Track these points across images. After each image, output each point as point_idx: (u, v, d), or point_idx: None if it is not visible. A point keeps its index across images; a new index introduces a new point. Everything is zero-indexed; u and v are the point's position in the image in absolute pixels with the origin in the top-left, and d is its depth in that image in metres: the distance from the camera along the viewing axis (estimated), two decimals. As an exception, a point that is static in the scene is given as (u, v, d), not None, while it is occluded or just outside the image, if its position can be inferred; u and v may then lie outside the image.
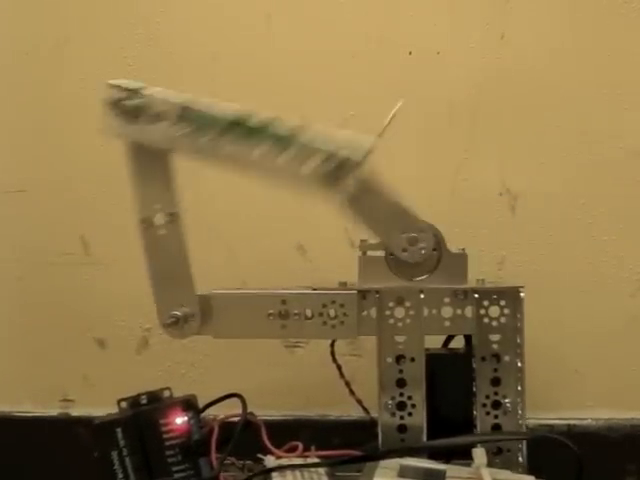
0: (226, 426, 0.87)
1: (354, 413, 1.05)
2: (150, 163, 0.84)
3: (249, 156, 0.80)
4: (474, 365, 0.85)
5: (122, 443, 0.83)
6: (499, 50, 1.11)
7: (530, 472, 0.83)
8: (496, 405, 0.85)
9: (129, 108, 0.81)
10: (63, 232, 1.17)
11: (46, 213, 1.18)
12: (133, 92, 0.81)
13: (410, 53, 1.12)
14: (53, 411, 1.19)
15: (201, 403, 0.87)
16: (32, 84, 1.17)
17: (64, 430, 1.16)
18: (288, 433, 0.89)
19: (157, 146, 0.83)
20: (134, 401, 0.85)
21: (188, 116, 0.81)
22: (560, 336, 1.11)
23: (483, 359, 0.85)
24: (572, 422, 1.11)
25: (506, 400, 0.85)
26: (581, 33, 1.10)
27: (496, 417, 0.85)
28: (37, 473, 1.16)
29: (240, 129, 0.81)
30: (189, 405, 0.85)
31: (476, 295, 0.85)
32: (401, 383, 0.85)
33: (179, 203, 0.84)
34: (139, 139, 0.82)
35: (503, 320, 0.85)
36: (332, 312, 0.85)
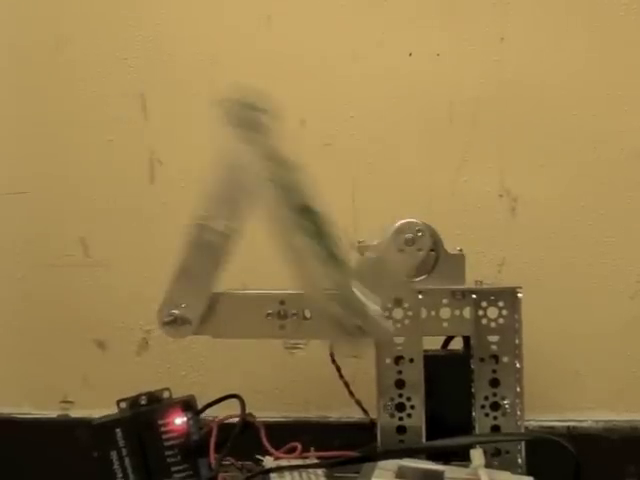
0: (225, 427, 0.87)
1: (353, 414, 1.05)
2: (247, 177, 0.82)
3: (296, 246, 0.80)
4: (473, 366, 0.85)
5: (121, 443, 0.83)
6: (499, 52, 1.11)
7: (529, 473, 0.83)
8: (495, 406, 0.85)
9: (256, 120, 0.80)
10: (63, 234, 1.18)
11: (46, 215, 1.18)
12: (255, 106, 0.80)
13: (410, 55, 1.12)
14: (53, 413, 1.20)
15: (200, 404, 0.87)
16: (32, 85, 1.17)
17: (64, 432, 1.16)
18: (287, 434, 0.89)
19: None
20: (134, 401, 0.85)
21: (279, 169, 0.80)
22: (560, 338, 1.10)
23: (482, 360, 0.85)
24: (572, 424, 1.11)
25: (505, 401, 0.84)
26: (580, 35, 1.10)
27: (495, 418, 0.85)
28: (37, 474, 1.16)
29: (308, 219, 0.79)
30: (188, 406, 0.85)
31: (474, 296, 0.85)
32: (400, 384, 0.85)
33: (244, 224, 0.83)
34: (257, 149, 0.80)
35: (501, 321, 0.84)
36: (331, 313, 0.85)
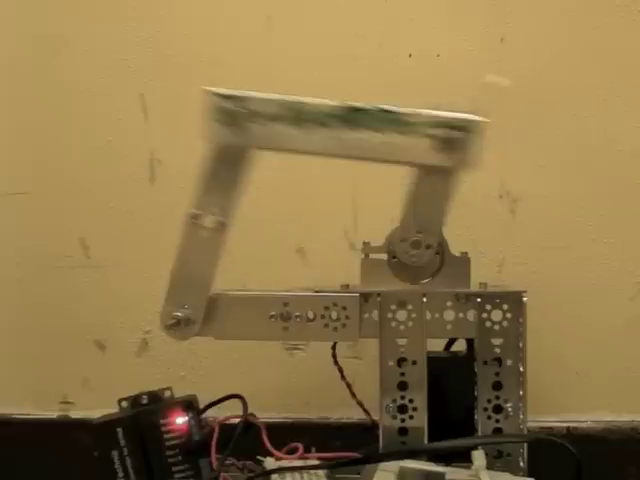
0: (226, 427, 0.87)
1: (355, 415, 1.06)
2: (228, 169, 0.82)
3: (369, 143, 0.81)
4: (476, 369, 0.85)
5: (122, 443, 0.83)
6: (499, 53, 1.11)
7: (529, 474, 0.83)
8: (497, 409, 0.85)
9: (242, 113, 0.79)
10: (63, 235, 1.17)
11: (46, 215, 1.18)
12: (237, 98, 0.79)
13: (410, 55, 1.12)
14: (53, 413, 1.19)
15: (201, 406, 0.87)
16: (32, 86, 1.17)
17: (63, 432, 1.15)
18: (288, 435, 0.89)
19: (266, 148, 0.81)
20: (135, 401, 0.85)
21: (301, 115, 0.81)
22: (560, 338, 1.11)
23: (485, 363, 0.85)
24: (572, 424, 1.11)
25: (507, 404, 0.84)
26: (580, 36, 1.11)
27: (497, 421, 0.85)
28: (36, 475, 1.16)
29: (355, 118, 0.81)
30: (190, 405, 0.85)
31: (478, 299, 0.85)
32: (402, 386, 0.85)
33: (233, 217, 0.83)
34: (245, 144, 0.80)
35: (505, 324, 0.84)
36: (334, 314, 0.85)
